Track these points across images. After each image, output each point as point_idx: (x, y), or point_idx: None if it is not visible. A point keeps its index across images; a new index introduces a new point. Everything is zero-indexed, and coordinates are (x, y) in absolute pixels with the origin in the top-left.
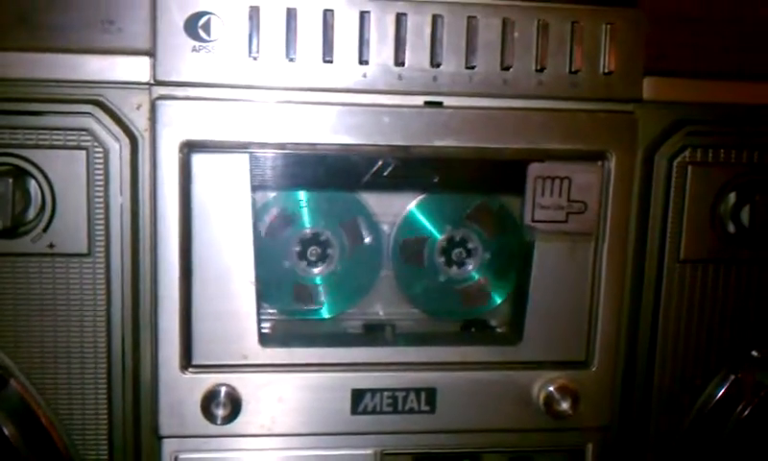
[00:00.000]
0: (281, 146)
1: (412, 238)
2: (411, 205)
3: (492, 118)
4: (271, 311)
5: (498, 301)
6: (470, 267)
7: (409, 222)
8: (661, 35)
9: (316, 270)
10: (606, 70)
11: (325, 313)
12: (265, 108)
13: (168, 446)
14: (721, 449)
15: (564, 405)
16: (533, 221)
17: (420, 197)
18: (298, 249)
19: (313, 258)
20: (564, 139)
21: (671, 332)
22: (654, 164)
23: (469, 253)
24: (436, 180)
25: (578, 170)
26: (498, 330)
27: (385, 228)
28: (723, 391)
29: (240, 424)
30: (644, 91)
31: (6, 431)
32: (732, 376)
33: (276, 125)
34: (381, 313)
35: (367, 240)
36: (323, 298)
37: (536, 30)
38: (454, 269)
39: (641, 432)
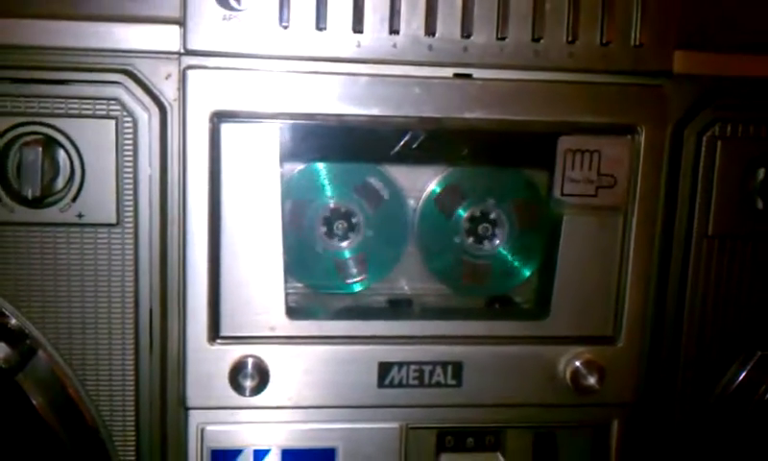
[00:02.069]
0: (311, 117)
1: (439, 214)
2: (437, 179)
3: (523, 90)
4: (297, 285)
5: (524, 277)
6: (497, 242)
7: (435, 196)
8: (693, 8)
9: (342, 244)
10: (637, 43)
11: (351, 287)
12: (295, 78)
13: (194, 417)
14: (746, 427)
15: (591, 380)
16: (562, 194)
17: (447, 171)
18: (324, 222)
19: (339, 232)
20: (595, 112)
21: (698, 308)
22: (683, 139)
23: (495, 228)
24: (464, 153)
25: (608, 143)
26: (525, 306)
27: (411, 202)
28: (749, 368)
29: (267, 395)
30: (675, 65)
31: (34, 402)
32: (759, 353)
33: (306, 95)
34: (407, 288)
35: (393, 215)
36: (348, 272)
37: (567, 1)
38: (480, 244)
39: (667, 409)
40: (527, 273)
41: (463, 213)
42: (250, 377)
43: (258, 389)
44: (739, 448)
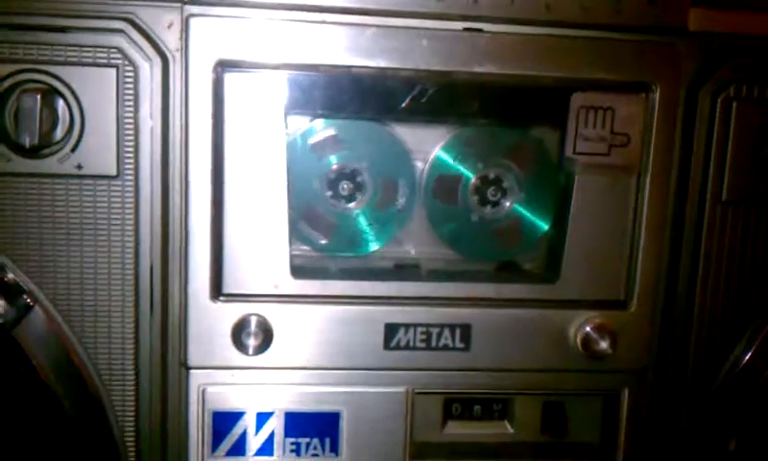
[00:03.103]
0: (316, 67)
1: (447, 176)
2: (445, 140)
3: (534, 45)
4: (303, 247)
5: (534, 240)
6: (506, 205)
7: (443, 158)
8: None
9: (348, 205)
10: None
11: (357, 249)
12: (300, 27)
13: (195, 377)
14: (759, 396)
15: (603, 345)
16: (574, 153)
17: (454, 132)
18: (330, 181)
19: (344, 193)
20: (608, 69)
21: (711, 274)
22: (698, 99)
23: (504, 191)
24: (474, 109)
25: (622, 101)
26: (533, 272)
27: (419, 164)
28: (762, 336)
29: (270, 355)
30: (690, 22)
31: (32, 359)
32: None
33: (311, 46)
34: (413, 252)
35: (400, 176)
36: (354, 233)
37: None
38: (489, 208)
39: (678, 377)
40: (537, 236)
41: (471, 175)
42: (253, 336)
43: (262, 348)
44: (752, 418)
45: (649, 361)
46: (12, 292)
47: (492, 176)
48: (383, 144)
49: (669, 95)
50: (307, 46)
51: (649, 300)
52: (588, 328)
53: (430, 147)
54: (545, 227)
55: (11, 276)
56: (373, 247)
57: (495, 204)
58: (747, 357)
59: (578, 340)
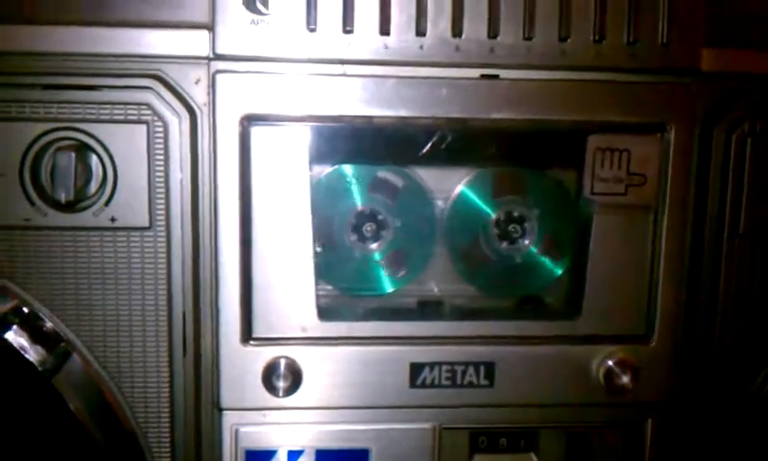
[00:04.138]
0: (339, 119)
1: (468, 215)
2: (464, 181)
3: (550, 90)
4: (328, 287)
5: (554, 277)
6: (526, 243)
7: (463, 198)
8: (720, 4)
9: (372, 246)
10: (664, 41)
11: (381, 289)
12: (323, 80)
13: (228, 418)
14: None
15: (625, 379)
16: (592, 193)
17: (474, 173)
18: (353, 224)
19: (368, 234)
20: (623, 111)
21: (731, 306)
22: (713, 137)
23: (525, 228)
24: (492, 153)
25: (637, 142)
26: (555, 306)
27: (439, 204)
28: None
29: (299, 396)
30: (703, 62)
31: (71, 405)
32: None
33: (334, 98)
34: (436, 290)
35: (421, 217)
36: (378, 274)
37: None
38: (509, 245)
39: (701, 408)
40: (558, 272)
41: (492, 214)
42: (283, 378)
43: (291, 390)
44: None
45: (671, 393)
46: (50, 341)
47: (512, 214)
48: (405, 187)
49: (684, 134)
50: (330, 98)
51: (670, 333)
52: (610, 363)
53: (451, 186)
54: (565, 264)
55: (49, 325)
56: (397, 287)
57: (516, 241)
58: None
59: (600, 375)
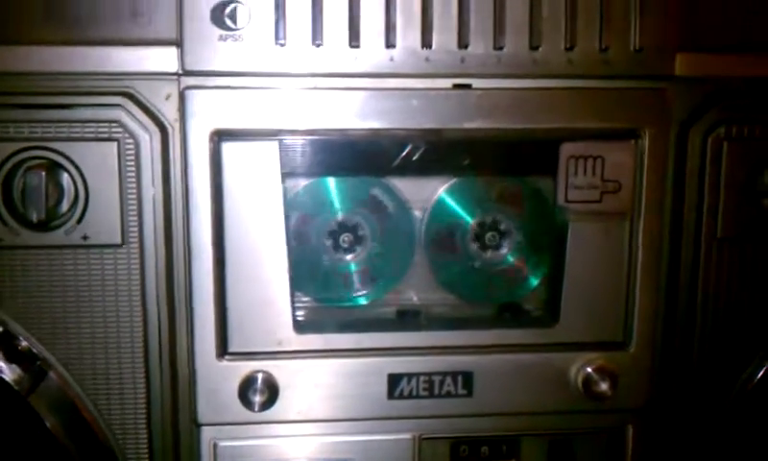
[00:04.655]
0: (311, 132)
1: (445, 224)
2: (441, 189)
3: (523, 99)
4: (305, 299)
5: (533, 284)
6: (504, 250)
7: (440, 207)
8: (694, 9)
9: (348, 257)
10: (637, 47)
11: (359, 300)
12: (293, 94)
13: (207, 433)
14: (762, 431)
15: (603, 386)
16: (566, 201)
17: (451, 181)
18: (329, 236)
19: (345, 245)
20: (597, 118)
21: (710, 311)
22: (688, 141)
23: (503, 236)
24: (466, 163)
25: (611, 149)
26: (534, 313)
27: (416, 213)
28: (763, 371)
29: (277, 410)
30: (677, 67)
31: (48, 423)
32: None
33: (305, 111)
34: (415, 299)
35: (398, 226)
36: (356, 285)
37: (564, 7)
38: (488, 253)
39: (681, 413)
40: (535, 281)
41: (469, 223)
42: (259, 393)
43: (268, 404)
44: (759, 449)
45: (651, 399)
46: (26, 359)
47: (489, 221)
48: (381, 197)
49: (658, 140)
50: (301, 112)
51: (648, 339)
52: (588, 370)
53: (427, 196)
54: (544, 269)
55: (24, 343)
56: (375, 297)
57: (494, 248)
58: (748, 390)
59: (579, 382)
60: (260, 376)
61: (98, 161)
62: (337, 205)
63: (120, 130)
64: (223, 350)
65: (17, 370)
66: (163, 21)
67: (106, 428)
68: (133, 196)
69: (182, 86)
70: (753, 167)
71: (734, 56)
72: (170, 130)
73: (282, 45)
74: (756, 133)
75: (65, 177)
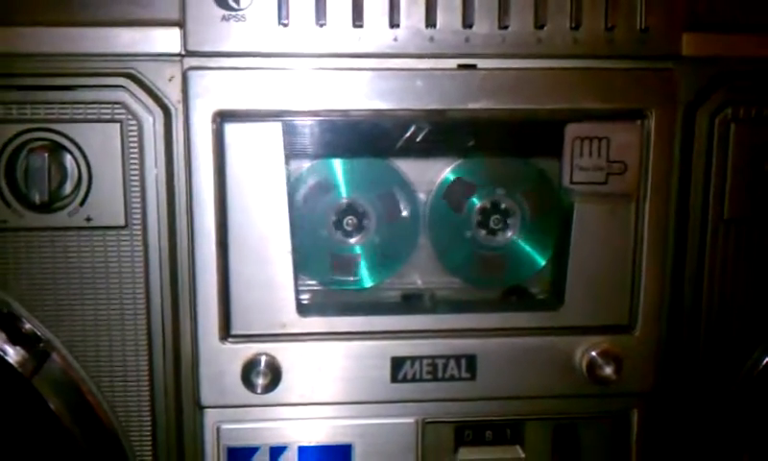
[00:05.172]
0: (314, 113)
1: (449, 206)
2: (446, 171)
3: (527, 79)
4: (309, 282)
5: (538, 267)
6: (509, 233)
7: (445, 189)
8: None
9: (353, 239)
10: (643, 26)
11: (363, 283)
12: (296, 75)
13: (210, 416)
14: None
15: (608, 370)
16: (571, 183)
17: (456, 163)
18: (333, 218)
19: (349, 228)
20: (602, 98)
21: (716, 294)
22: (695, 122)
23: (507, 218)
24: (471, 144)
25: (617, 129)
26: (539, 297)
27: (421, 196)
28: None
29: (280, 392)
30: (684, 47)
31: (51, 405)
32: None
33: (309, 92)
34: (420, 282)
35: (403, 208)
36: (360, 267)
37: None
38: (492, 236)
39: (687, 398)
40: (541, 263)
41: (474, 205)
42: (262, 375)
43: (270, 387)
44: (763, 434)
45: (657, 383)
46: (29, 341)
47: (494, 204)
48: (385, 179)
49: (665, 121)
50: (304, 93)
51: (654, 323)
52: (593, 354)
53: (432, 178)
54: (549, 253)
55: (28, 326)
56: (379, 280)
57: (499, 231)
58: (755, 373)
59: (584, 366)
60: (263, 358)
61: (101, 143)
62: (341, 187)
63: (123, 111)
64: (226, 332)
65: (21, 352)
66: (166, 2)
67: (109, 411)
68: (136, 178)
69: (185, 67)
70: (760, 148)
71: (742, 36)
72: (173, 111)
73: (285, 25)
74: (764, 115)
75: (68, 158)
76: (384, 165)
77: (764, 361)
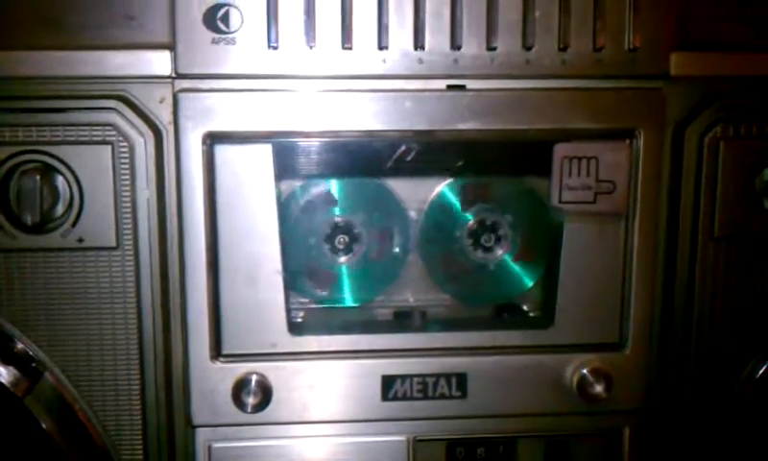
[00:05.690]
0: (304, 134)
1: (441, 224)
2: (437, 190)
3: (516, 99)
4: (300, 300)
5: (529, 284)
6: (499, 252)
7: (436, 207)
8: (688, 8)
9: (344, 258)
10: (631, 46)
11: (354, 301)
12: (286, 97)
13: (201, 435)
14: (760, 432)
15: (598, 388)
16: (560, 202)
17: (447, 182)
18: (325, 237)
19: (340, 246)
20: (591, 118)
21: (707, 312)
22: (684, 141)
23: (497, 237)
24: (461, 163)
25: (605, 149)
26: (530, 314)
27: (412, 214)
28: (762, 371)
29: (271, 411)
30: (672, 67)
31: (44, 425)
32: None
33: (298, 114)
34: (411, 300)
35: (394, 227)
36: (351, 286)
37: (557, 7)
38: (483, 254)
39: (679, 414)
40: (530, 282)
41: (465, 224)
42: (252, 394)
43: (261, 406)
44: (756, 450)
45: (648, 400)
46: (22, 361)
47: (485, 223)
48: (376, 198)
49: (653, 140)
50: (294, 115)
51: (644, 340)
52: (584, 371)
53: (423, 196)
54: (539, 272)
55: (20, 346)
56: (370, 298)
57: (489, 249)
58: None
59: (574, 384)
60: (254, 377)
61: (92, 164)
62: (332, 206)
63: (114, 133)
64: (217, 351)
65: (13, 371)
66: (156, 25)
67: (101, 430)
68: (128, 199)
69: (176, 89)
70: (749, 167)
71: (730, 55)
72: (164, 132)
73: (275, 48)
74: (753, 133)
75: (60, 180)
76: (375, 184)
77: (756, 377)
